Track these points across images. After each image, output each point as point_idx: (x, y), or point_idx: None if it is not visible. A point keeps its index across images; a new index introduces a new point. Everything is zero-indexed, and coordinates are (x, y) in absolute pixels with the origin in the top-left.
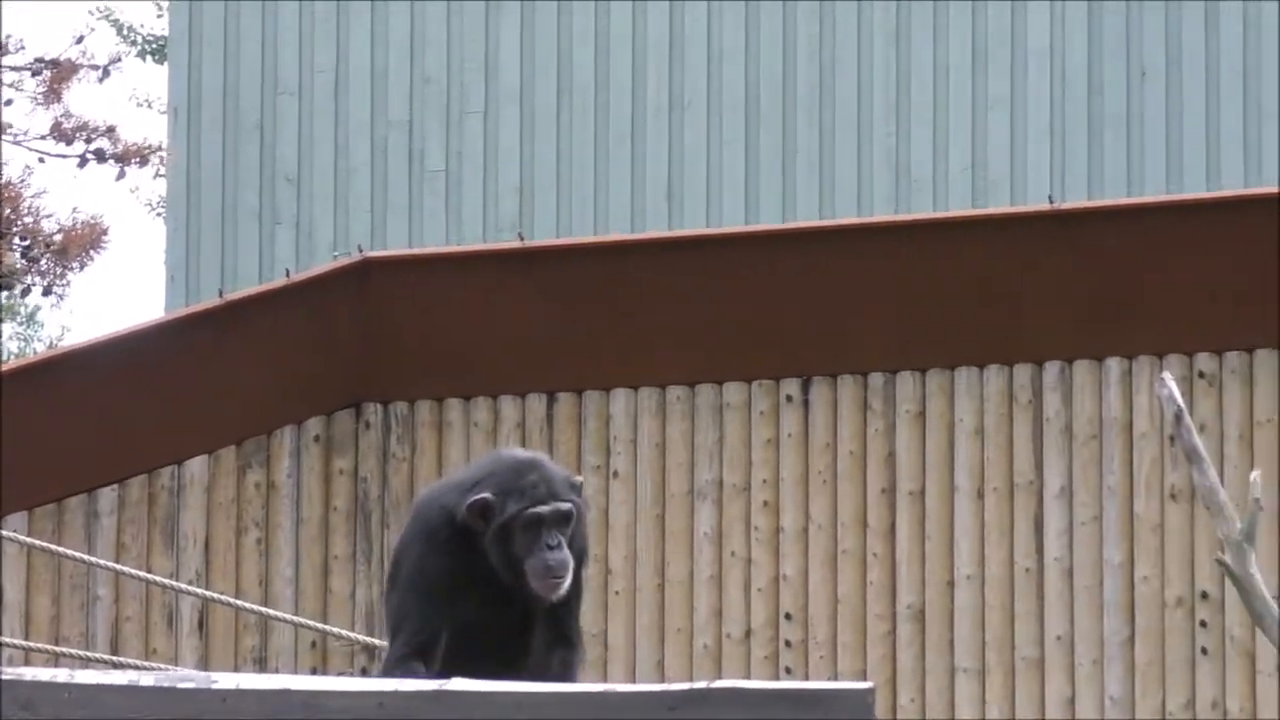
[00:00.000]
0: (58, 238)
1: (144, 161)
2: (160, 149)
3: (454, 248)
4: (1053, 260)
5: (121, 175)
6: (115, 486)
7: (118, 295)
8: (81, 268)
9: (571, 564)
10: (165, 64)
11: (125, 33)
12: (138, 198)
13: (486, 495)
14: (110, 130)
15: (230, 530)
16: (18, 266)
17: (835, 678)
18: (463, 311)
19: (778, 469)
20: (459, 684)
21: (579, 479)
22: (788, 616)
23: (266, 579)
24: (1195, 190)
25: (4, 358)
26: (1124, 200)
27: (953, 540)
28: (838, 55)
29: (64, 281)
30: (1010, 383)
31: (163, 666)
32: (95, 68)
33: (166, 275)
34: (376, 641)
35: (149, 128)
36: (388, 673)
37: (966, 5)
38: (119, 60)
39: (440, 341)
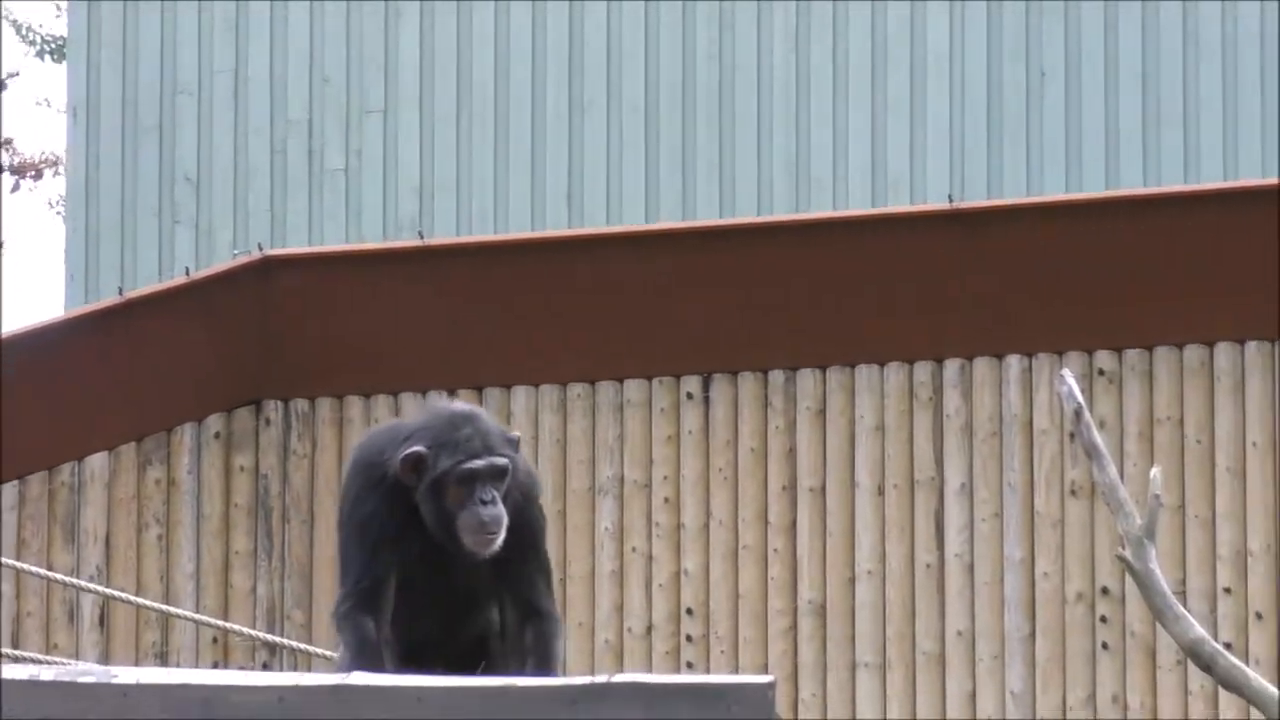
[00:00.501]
0: None
1: (39, 175)
2: (58, 162)
3: (354, 246)
4: (952, 259)
5: (16, 188)
6: (16, 483)
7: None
8: None
9: (506, 519)
10: (64, 64)
11: (24, 33)
12: (36, 196)
13: (419, 449)
14: (8, 142)
15: (131, 526)
16: None
17: (737, 672)
18: (363, 309)
19: (679, 465)
20: (358, 678)
21: (515, 434)
22: (689, 612)
23: (168, 575)
24: (1094, 190)
25: None
26: (1024, 199)
27: (854, 536)
28: (737, 57)
29: None
30: (910, 380)
31: (63, 661)
32: None
33: (66, 274)
34: (277, 639)
35: (48, 128)
36: (336, 623)
37: (865, 6)
38: (16, 74)
39: (341, 339)
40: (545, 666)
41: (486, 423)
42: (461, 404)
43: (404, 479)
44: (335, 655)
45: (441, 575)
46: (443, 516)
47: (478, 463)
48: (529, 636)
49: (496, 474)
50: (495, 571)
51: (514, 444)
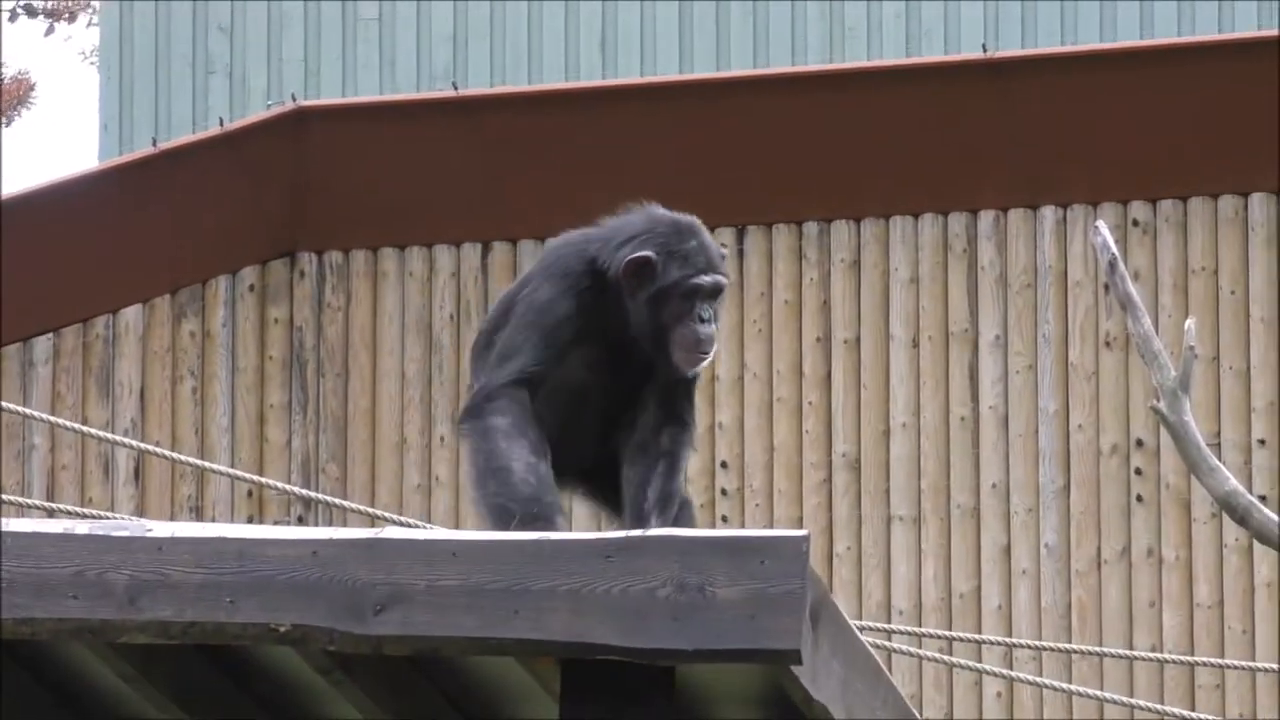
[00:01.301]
0: None
1: (72, 18)
2: (90, 3)
3: (388, 97)
4: (986, 110)
5: (50, 31)
6: (50, 336)
7: (52, 144)
8: (9, 123)
9: (717, 340)
10: None
11: None
12: (70, 47)
13: (649, 254)
14: None
15: (166, 380)
16: None
17: (771, 526)
18: (397, 161)
19: None
20: (393, 532)
21: (725, 250)
22: (723, 465)
23: (202, 428)
24: (1129, 39)
25: None
26: (1058, 49)
27: (888, 389)
28: None
29: None
30: (945, 232)
31: (99, 515)
32: None
33: (100, 124)
34: (312, 494)
35: None
36: (485, 399)
37: None
38: None
39: (374, 191)
40: (673, 475)
41: (708, 236)
42: (681, 214)
43: (623, 282)
44: (470, 444)
45: (601, 387)
46: (658, 328)
47: (705, 279)
48: (665, 440)
49: (718, 291)
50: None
51: (724, 257)
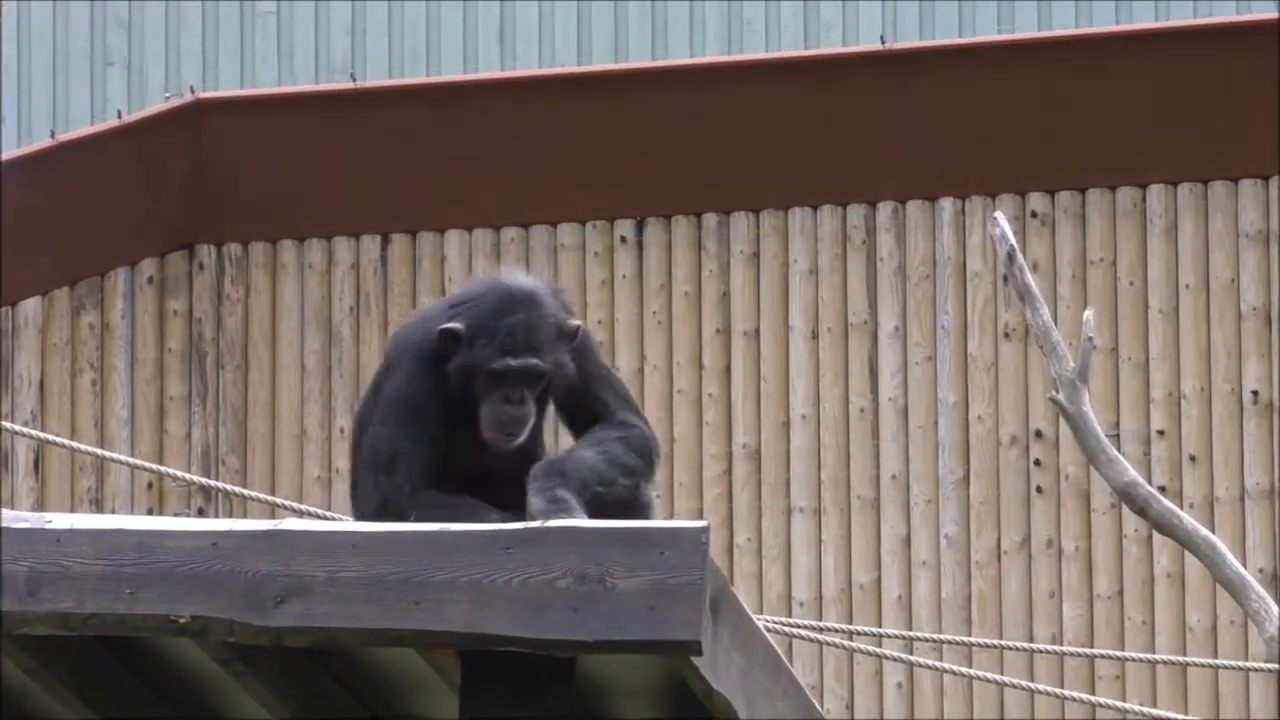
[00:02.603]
0: None
1: None
2: None
3: (285, 89)
4: (885, 101)
5: None
6: None
7: None
8: None
9: (531, 420)
10: None
11: None
12: None
13: (457, 325)
14: None
15: (65, 372)
16: None
17: (672, 518)
18: (295, 153)
19: (613, 310)
20: (293, 524)
21: (575, 323)
22: None
23: (102, 420)
24: (1026, 30)
25: None
26: (956, 41)
27: (788, 380)
28: None
29: None
30: (844, 223)
31: None
32: None
33: None
34: (212, 483)
35: None
36: (398, 511)
37: None
38: None
39: (273, 183)
40: (589, 445)
41: (541, 310)
42: (529, 280)
43: (440, 348)
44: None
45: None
46: (468, 400)
47: (511, 362)
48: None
49: (529, 377)
50: (566, 420)
51: (570, 336)
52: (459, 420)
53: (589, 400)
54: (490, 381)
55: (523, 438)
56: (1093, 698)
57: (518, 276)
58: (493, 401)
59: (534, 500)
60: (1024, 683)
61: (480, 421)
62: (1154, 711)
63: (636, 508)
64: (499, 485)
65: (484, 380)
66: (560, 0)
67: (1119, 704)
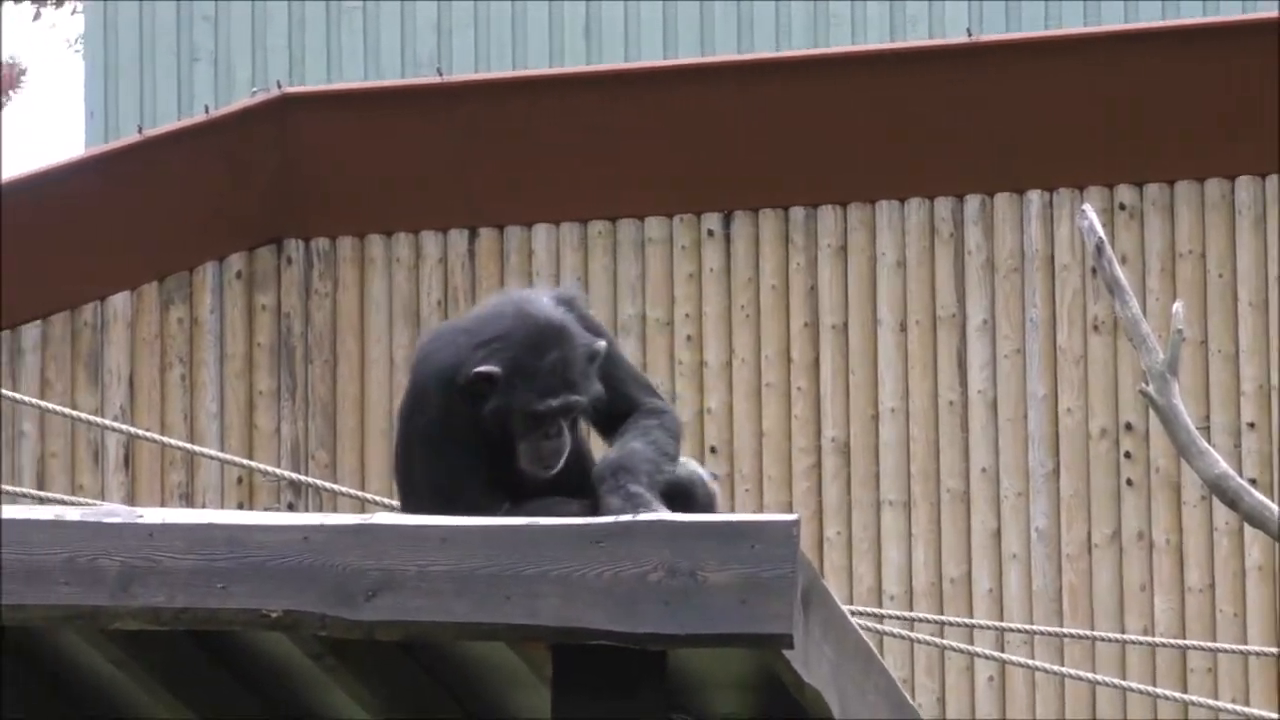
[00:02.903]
0: None
1: (59, 3)
2: None
3: (372, 83)
4: (972, 94)
5: (37, 16)
6: (39, 323)
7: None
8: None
9: (568, 447)
10: None
11: None
12: (56, 35)
13: (494, 370)
14: None
15: (154, 366)
16: None
17: (761, 511)
18: (382, 148)
19: (700, 304)
20: (384, 518)
21: (600, 345)
22: (712, 450)
23: (191, 415)
24: (1113, 23)
25: None
26: (1042, 33)
27: (877, 373)
28: None
29: None
30: (932, 216)
31: (89, 502)
32: None
33: (86, 112)
34: (302, 478)
35: None
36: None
37: None
38: None
39: (360, 177)
40: (636, 437)
41: (573, 342)
42: (554, 311)
43: (472, 392)
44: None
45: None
46: (505, 436)
47: (551, 403)
48: (618, 432)
49: (570, 413)
50: (593, 418)
51: (596, 358)
52: (494, 442)
53: (617, 399)
54: (530, 420)
55: (560, 464)
56: (1185, 695)
57: (540, 303)
58: (532, 439)
59: (611, 499)
60: (1115, 680)
61: (519, 455)
62: (1247, 710)
63: (696, 496)
64: (538, 494)
65: (522, 420)
66: None
67: (1211, 702)
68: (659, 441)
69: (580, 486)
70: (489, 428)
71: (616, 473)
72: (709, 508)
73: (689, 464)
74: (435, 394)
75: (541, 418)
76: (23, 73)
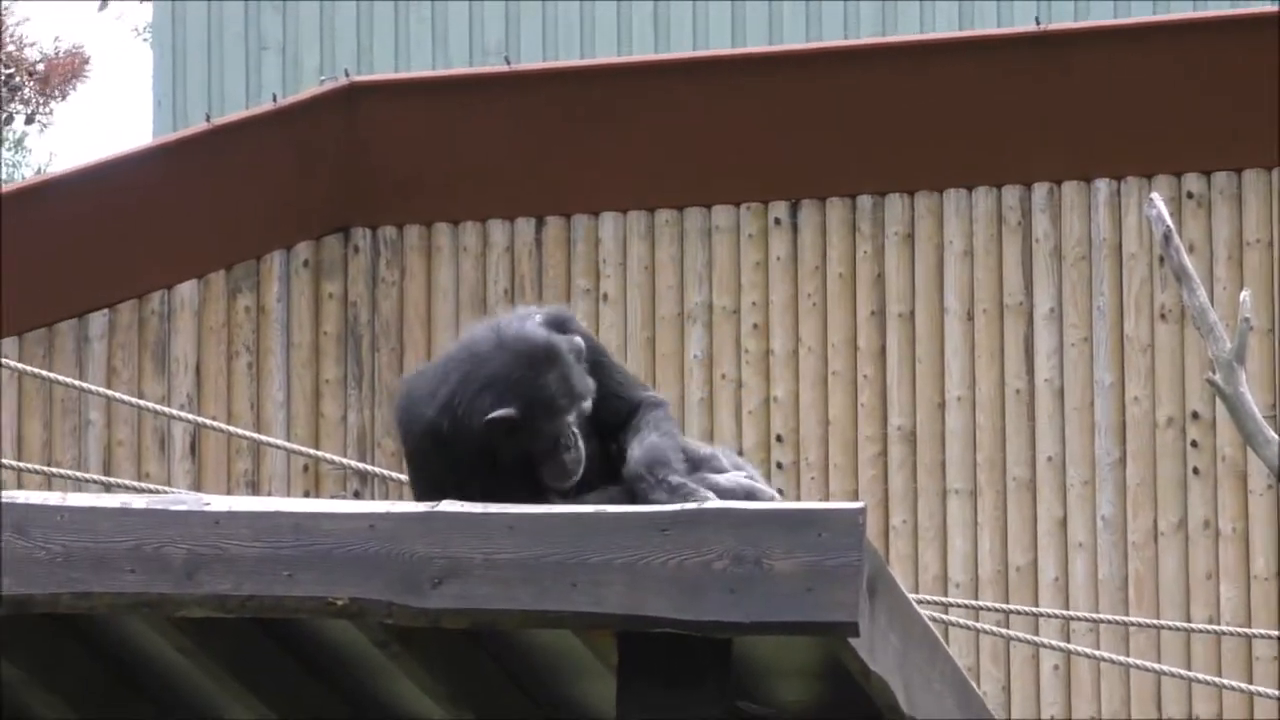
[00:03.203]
0: (40, 67)
1: None
2: None
3: (440, 72)
4: (1040, 82)
5: (104, 6)
6: (106, 311)
7: (106, 120)
8: (63, 97)
9: (584, 452)
10: None
11: None
12: (124, 24)
13: (512, 413)
14: None
15: (221, 355)
16: (0, 94)
17: (827, 499)
18: (450, 136)
19: (767, 292)
20: (449, 506)
21: (578, 341)
22: (779, 439)
23: (258, 403)
24: (1181, 11)
25: None
26: (1110, 21)
27: (943, 361)
28: None
29: (47, 110)
30: (999, 204)
31: (157, 489)
32: None
33: (154, 101)
34: (368, 467)
35: None
36: None
37: None
38: None
39: (427, 166)
40: (653, 430)
41: (561, 350)
42: (532, 329)
43: (492, 438)
44: None
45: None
46: (525, 460)
47: (569, 419)
48: (629, 429)
49: (581, 418)
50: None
51: (580, 355)
52: (508, 467)
53: (611, 400)
54: (549, 441)
55: (581, 472)
56: (1250, 685)
57: (518, 327)
58: (553, 456)
59: (657, 494)
60: (1180, 670)
61: (543, 474)
62: None
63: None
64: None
65: (543, 442)
66: None
67: (1276, 692)
68: (672, 432)
69: (587, 481)
70: (505, 460)
71: (652, 468)
72: None
73: (754, 476)
74: (427, 449)
75: (560, 437)
76: (85, 62)
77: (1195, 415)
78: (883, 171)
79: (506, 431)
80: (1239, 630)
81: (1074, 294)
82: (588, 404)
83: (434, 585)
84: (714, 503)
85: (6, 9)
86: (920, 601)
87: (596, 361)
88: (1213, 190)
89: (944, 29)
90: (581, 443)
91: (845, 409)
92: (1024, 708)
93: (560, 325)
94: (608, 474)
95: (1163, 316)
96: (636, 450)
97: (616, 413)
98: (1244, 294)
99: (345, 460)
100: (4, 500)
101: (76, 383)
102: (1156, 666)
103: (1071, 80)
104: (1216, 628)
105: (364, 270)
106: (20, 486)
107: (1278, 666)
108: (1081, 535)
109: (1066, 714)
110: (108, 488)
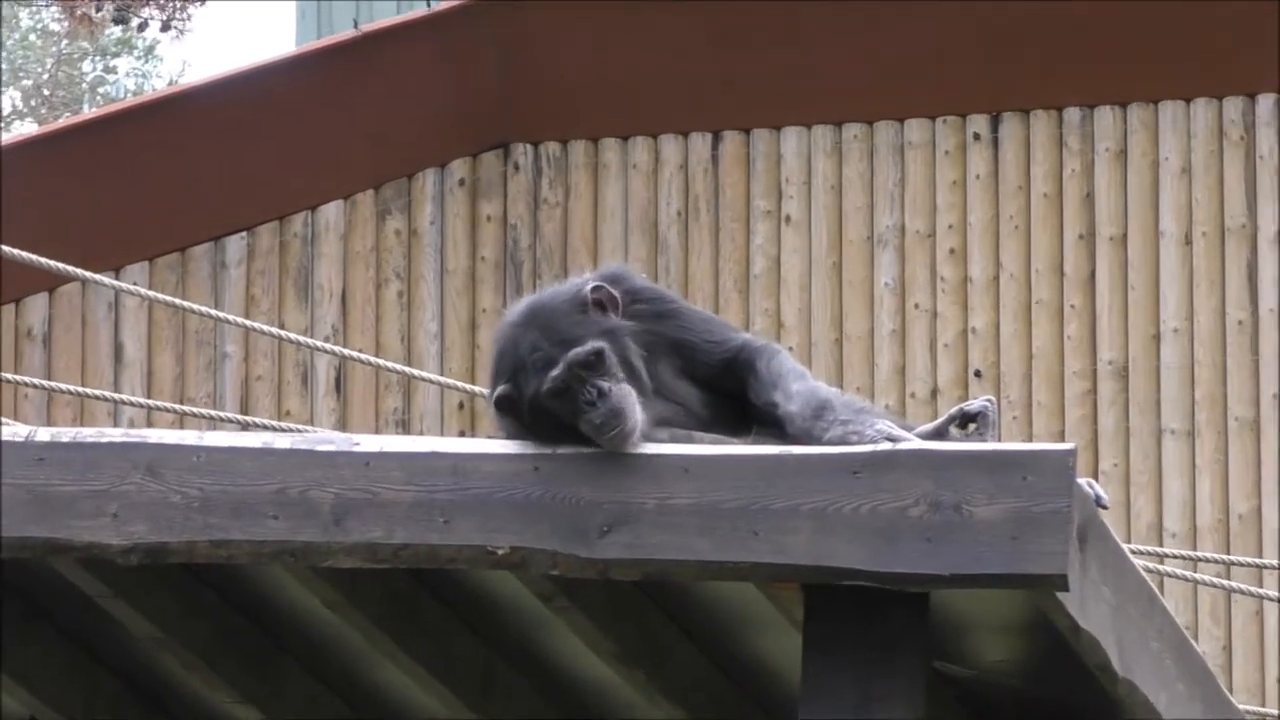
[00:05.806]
0: None
1: None
2: None
3: None
4: None
5: None
6: (244, 234)
7: (245, 29)
8: (202, 1)
9: (626, 401)
10: None
11: None
12: None
13: (506, 388)
14: None
15: (369, 282)
16: None
17: (1030, 440)
18: (619, 45)
19: (965, 213)
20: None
21: (592, 284)
22: (977, 374)
23: (409, 335)
24: None
25: (121, 95)
26: None
27: (1158, 290)
28: None
29: (184, 15)
30: (1220, 117)
31: (298, 428)
32: None
33: (297, 7)
34: None
35: None
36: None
37: None
38: None
39: (594, 77)
40: (794, 379)
41: (548, 311)
42: (529, 299)
43: (516, 419)
44: None
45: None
46: (570, 429)
47: (556, 373)
48: (759, 382)
49: (585, 369)
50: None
51: (598, 303)
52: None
53: (698, 349)
54: (561, 403)
55: (634, 423)
56: None
57: (520, 304)
58: (580, 413)
59: (830, 433)
60: None
61: (587, 433)
62: None
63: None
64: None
65: (556, 403)
66: None
67: None
68: (810, 377)
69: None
70: (550, 431)
71: (820, 412)
72: None
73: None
74: (507, 425)
75: (562, 393)
76: None
77: None
78: (1092, 82)
79: (518, 408)
80: None
81: None
82: (586, 348)
83: (602, 533)
84: (910, 443)
85: None
86: (1134, 552)
87: (663, 312)
88: None
89: None
90: (620, 389)
91: (1050, 342)
92: (1246, 669)
93: (613, 281)
94: (728, 426)
95: None
96: (791, 403)
97: (708, 360)
98: None
99: None
100: (135, 440)
101: (212, 312)
102: None
103: None
104: None
105: (525, 190)
106: (150, 425)
107: None
108: None
109: None
110: (245, 426)
